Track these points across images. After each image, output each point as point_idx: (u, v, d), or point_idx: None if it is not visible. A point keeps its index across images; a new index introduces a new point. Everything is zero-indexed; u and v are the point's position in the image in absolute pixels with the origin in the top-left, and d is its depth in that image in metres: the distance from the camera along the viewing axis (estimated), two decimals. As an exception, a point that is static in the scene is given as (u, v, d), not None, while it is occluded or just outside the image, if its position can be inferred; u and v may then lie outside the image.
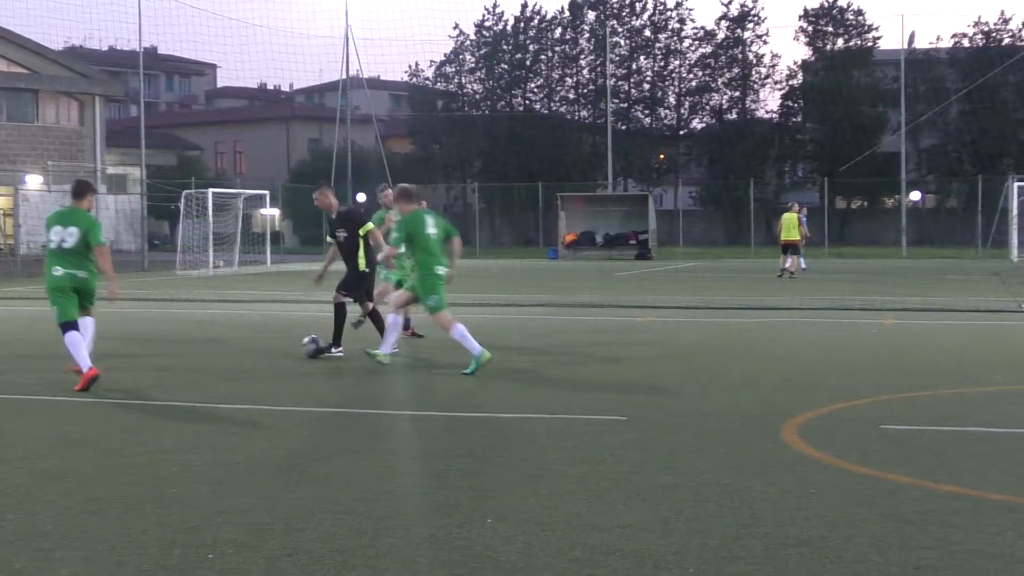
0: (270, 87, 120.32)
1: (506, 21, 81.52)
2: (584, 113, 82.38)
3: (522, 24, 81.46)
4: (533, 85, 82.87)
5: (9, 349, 16.95)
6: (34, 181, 58.55)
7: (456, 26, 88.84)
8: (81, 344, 12.44)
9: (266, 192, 48.78)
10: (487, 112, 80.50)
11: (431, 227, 13.84)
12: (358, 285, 15.55)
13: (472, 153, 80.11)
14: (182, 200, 42.60)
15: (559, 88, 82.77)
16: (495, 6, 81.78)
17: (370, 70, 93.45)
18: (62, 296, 12.72)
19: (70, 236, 12.81)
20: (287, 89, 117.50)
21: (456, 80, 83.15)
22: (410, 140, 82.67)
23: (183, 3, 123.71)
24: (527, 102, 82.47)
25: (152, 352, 16.32)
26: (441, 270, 13.79)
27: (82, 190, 13.22)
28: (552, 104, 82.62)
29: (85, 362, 12.32)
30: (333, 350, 15.05)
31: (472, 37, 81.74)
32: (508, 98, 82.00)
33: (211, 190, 43.01)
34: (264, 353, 16.20)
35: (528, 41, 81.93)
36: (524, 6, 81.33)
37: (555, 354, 16.04)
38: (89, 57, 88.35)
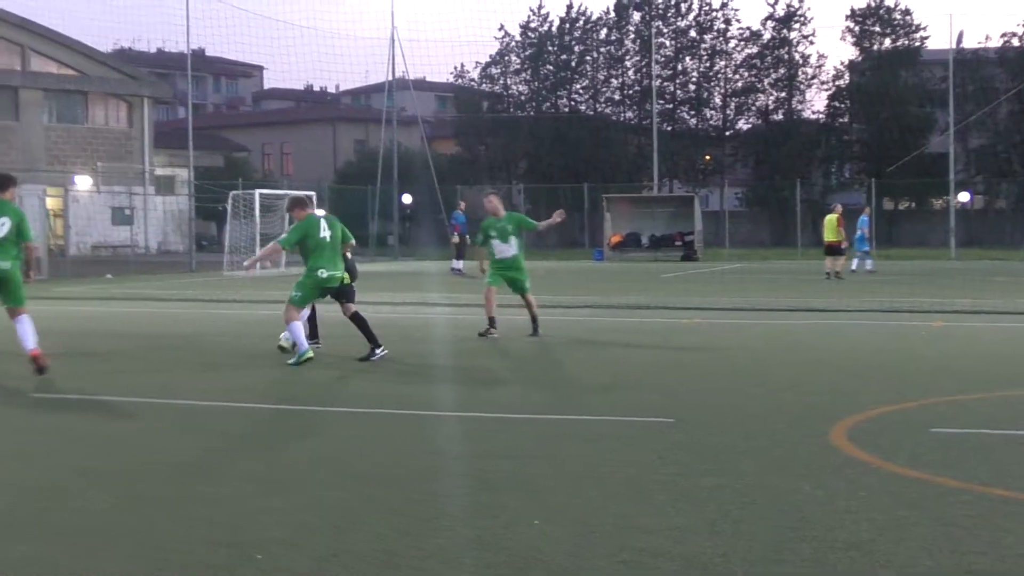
0: (316, 88, 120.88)
1: (551, 22, 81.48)
2: (629, 114, 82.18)
3: (567, 25, 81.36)
4: (578, 86, 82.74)
5: (59, 348, 17.06)
6: (83, 182, 59.04)
7: (501, 27, 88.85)
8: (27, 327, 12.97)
9: (313, 193, 48.93)
10: (532, 113, 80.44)
11: (325, 231, 14.72)
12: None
13: (517, 154, 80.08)
14: (229, 201, 42.79)
15: (604, 89, 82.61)
16: (540, 7, 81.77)
17: (416, 71, 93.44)
18: None
19: (3, 226, 13.14)
20: (333, 90, 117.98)
21: (501, 81, 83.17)
22: (455, 141, 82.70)
23: (231, 5, 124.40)
24: (572, 103, 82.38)
25: (199, 352, 16.40)
26: (324, 273, 14.61)
27: (5, 183, 13.52)
28: (597, 105, 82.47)
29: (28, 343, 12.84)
30: (377, 352, 15.10)
31: (517, 38, 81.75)
32: (553, 99, 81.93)
33: (258, 191, 43.16)
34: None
35: (573, 42, 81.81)
36: (569, 7, 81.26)
37: (601, 356, 16.01)
38: (138, 59, 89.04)
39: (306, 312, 15.30)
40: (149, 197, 60.02)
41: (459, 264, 39.37)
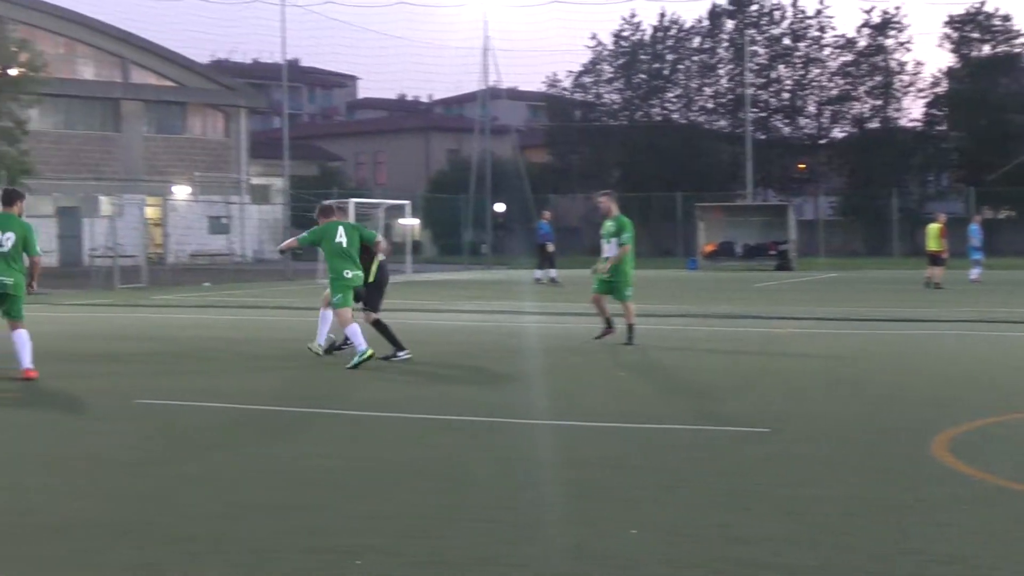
0: (409, 98, 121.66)
1: (644, 31, 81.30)
2: (722, 123, 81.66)
3: (660, 34, 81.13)
4: (671, 95, 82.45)
5: (159, 353, 17.32)
6: (181, 191, 59.91)
7: (594, 36, 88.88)
8: (25, 345, 13.38)
9: (407, 202, 49.21)
10: (625, 122, 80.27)
11: (341, 236, 15.49)
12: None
13: (610, 163, 79.95)
14: (324, 210, 43.13)
15: (697, 97, 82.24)
16: (633, 16, 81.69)
17: (508, 81, 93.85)
18: None
19: (7, 240, 13.52)
20: (426, 100, 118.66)
21: (594, 90, 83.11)
22: (547, 150, 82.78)
23: (326, 16, 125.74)
24: (665, 112, 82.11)
25: (296, 358, 16.54)
26: (349, 274, 15.43)
27: (12, 197, 13.93)
28: (690, 114, 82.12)
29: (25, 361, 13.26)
30: (400, 355, 15.62)
31: (610, 47, 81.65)
32: (646, 108, 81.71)
33: (352, 200, 43.50)
34: (403, 360, 16.32)
35: (666, 51, 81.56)
36: (662, 16, 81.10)
37: (695, 365, 15.91)
38: (234, 70, 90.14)
39: (349, 315, 15.61)
40: (245, 206, 60.72)
41: (539, 273, 39.28)
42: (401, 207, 48.76)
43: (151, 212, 57.06)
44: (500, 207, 66.26)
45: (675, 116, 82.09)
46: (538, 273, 39.33)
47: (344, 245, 15.49)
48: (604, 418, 11.19)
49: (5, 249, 13.51)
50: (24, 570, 6.32)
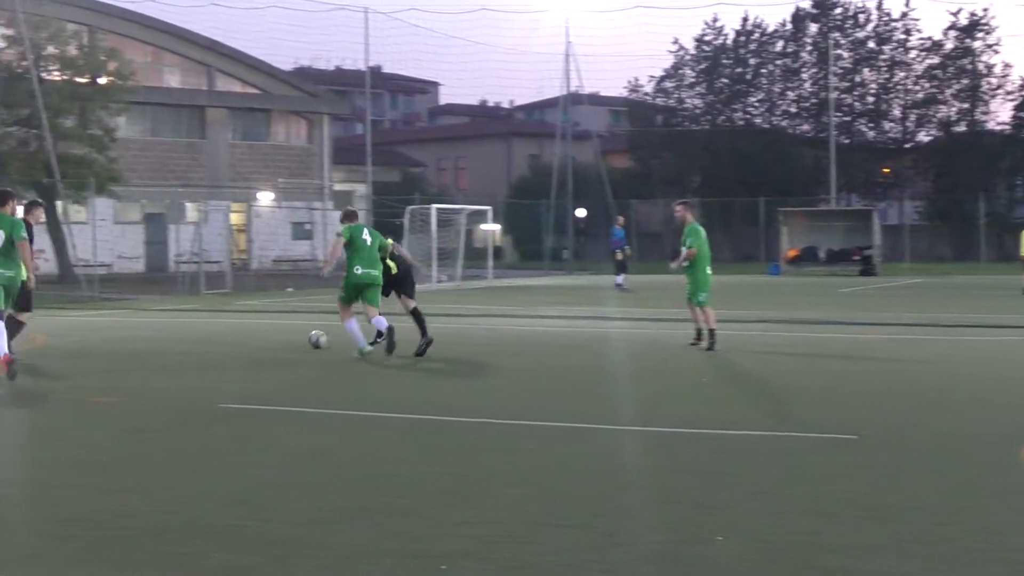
0: (490, 104, 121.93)
1: (726, 35, 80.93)
2: (806, 127, 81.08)
3: (743, 38, 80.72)
4: (754, 99, 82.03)
5: (243, 358, 17.53)
6: (265, 198, 60.49)
7: (676, 40, 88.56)
8: (2, 334, 14.33)
9: (489, 208, 49.32)
10: (707, 127, 79.94)
11: (365, 235, 17.44)
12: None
13: (692, 168, 79.68)
14: (406, 216, 43.40)
15: (780, 102, 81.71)
16: (715, 20, 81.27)
17: (590, 86, 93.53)
18: None
19: None
20: (507, 106, 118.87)
21: (676, 95, 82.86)
22: (629, 155, 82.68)
23: (408, 23, 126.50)
24: (747, 116, 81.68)
25: (377, 364, 16.66)
26: (359, 270, 17.22)
27: (4, 198, 15.00)
28: (773, 118, 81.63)
29: (2, 349, 14.25)
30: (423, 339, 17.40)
31: (692, 52, 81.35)
32: (728, 112, 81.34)
33: (435, 206, 43.69)
34: (490, 366, 16.39)
35: (748, 55, 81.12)
36: (745, 20, 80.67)
37: (779, 372, 15.83)
38: (317, 77, 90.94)
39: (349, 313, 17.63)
40: (328, 212, 61.15)
41: (620, 279, 39.36)
42: (483, 213, 48.89)
43: (235, 218, 57.66)
44: (581, 212, 66.21)
45: (758, 121, 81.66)
46: (619, 279, 39.45)
47: (368, 244, 17.39)
48: (690, 424, 11.16)
49: None
50: (121, 573, 6.44)
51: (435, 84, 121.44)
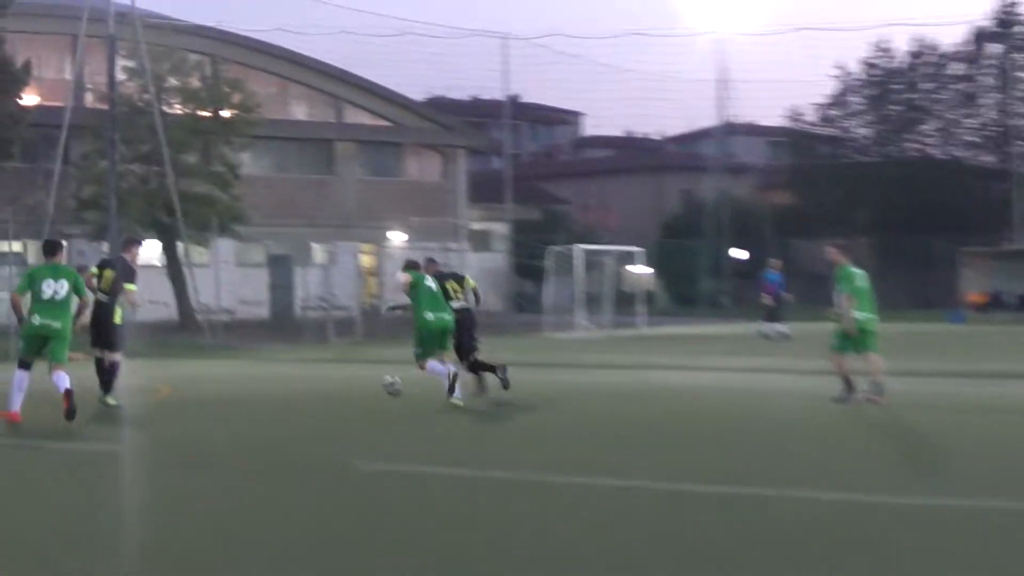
0: (638, 135, 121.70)
1: (896, 58, 79.83)
2: (988, 157, 79.68)
3: (915, 60, 79.61)
4: (928, 127, 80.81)
5: (379, 412, 17.75)
6: (397, 238, 60.99)
7: (840, 65, 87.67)
8: (23, 385, 15.51)
9: (639, 249, 49.14)
10: (876, 158, 78.91)
11: (430, 281, 18.96)
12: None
13: (860, 204, 78.69)
14: (549, 257, 43.54)
15: (957, 130, 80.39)
16: (884, 42, 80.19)
17: (746, 114, 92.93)
18: (31, 342, 15.82)
19: (62, 288, 15.76)
20: (656, 136, 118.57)
21: (841, 124, 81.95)
22: (790, 191, 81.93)
23: (549, 49, 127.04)
24: (921, 146, 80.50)
25: (531, 418, 16.80)
26: (431, 316, 18.47)
27: (56, 248, 16.49)
28: (950, 148, 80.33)
29: (15, 404, 15.36)
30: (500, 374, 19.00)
31: (859, 76, 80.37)
32: (899, 142, 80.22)
33: (579, 246, 43.77)
34: (643, 424, 16.45)
35: (922, 79, 79.96)
36: (917, 41, 79.61)
37: (966, 432, 15.61)
38: (451, 108, 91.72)
39: (438, 366, 18.66)
40: (465, 253, 61.60)
41: (782, 327, 38.11)
42: (632, 254, 48.69)
43: (365, 260, 58.19)
44: (740, 253, 65.72)
45: (933, 151, 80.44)
46: (781, 327, 38.23)
47: (434, 289, 18.87)
48: (858, 489, 10.99)
49: (60, 297, 15.73)
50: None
51: (578, 114, 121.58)
